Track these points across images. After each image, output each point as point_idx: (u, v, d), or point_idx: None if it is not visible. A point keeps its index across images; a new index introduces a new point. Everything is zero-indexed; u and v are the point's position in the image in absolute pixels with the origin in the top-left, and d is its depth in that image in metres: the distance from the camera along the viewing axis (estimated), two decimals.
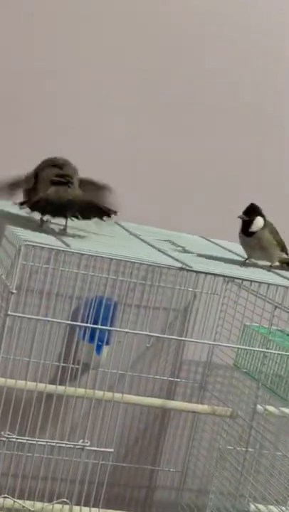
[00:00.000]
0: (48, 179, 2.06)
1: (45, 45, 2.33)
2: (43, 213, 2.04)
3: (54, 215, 2.03)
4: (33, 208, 2.03)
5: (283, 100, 2.50)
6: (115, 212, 2.02)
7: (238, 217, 2.03)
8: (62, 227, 2.06)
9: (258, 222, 2.03)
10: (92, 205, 2.03)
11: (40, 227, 2.05)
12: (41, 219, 2.09)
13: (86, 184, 2.14)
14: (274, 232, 2.06)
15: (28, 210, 2.01)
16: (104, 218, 2.01)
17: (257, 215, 2.03)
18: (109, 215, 2.00)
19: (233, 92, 2.46)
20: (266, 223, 2.04)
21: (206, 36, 2.43)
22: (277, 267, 2.07)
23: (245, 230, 2.04)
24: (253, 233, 2.03)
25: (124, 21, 2.37)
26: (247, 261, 2.07)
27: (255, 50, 2.47)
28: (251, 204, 2.05)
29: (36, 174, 2.10)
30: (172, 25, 2.40)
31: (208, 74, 2.44)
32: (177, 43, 2.41)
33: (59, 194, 2.02)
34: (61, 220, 2.05)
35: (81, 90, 2.36)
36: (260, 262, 2.08)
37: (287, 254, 2.10)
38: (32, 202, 2.04)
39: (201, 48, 2.43)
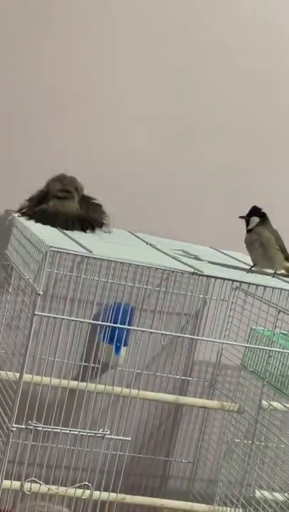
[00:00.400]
0: (51, 193, 2.15)
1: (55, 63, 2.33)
2: (43, 223, 2.08)
3: (50, 224, 2.09)
4: (31, 218, 2.06)
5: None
6: (101, 226, 2.14)
7: (239, 217, 2.06)
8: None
9: (253, 220, 2.06)
10: (81, 218, 2.12)
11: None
12: None
13: (88, 201, 2.21)
14: (276, 236, 2.05)
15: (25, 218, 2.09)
16: (88, 231, 2.12)
17: (253, 216, 2.05)
18: (93, 229, 2.12)
19: (234, 111, 2.45)
20: (265, 223, 2.05)
21: (206, 62, 2.42)
22: (282, 275, 2.05)
23: (247, 230, 2.06)
24: (251, 230, 2.05)
25: (132, 42, 2.37)
26: (253, 268, 2.06)
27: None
28: (253, 206, 2.07)
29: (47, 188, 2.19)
30: (175, 44, 2.40)
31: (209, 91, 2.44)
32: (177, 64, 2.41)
33: (56, 207, 2.12)
34: None
35: (88, 106, 2.35)
36: (265, 270, 2.07)
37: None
38: (32, 212, 2.07)
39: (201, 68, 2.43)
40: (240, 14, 2.43)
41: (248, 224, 2.06)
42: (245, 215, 2.07)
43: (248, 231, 2.05)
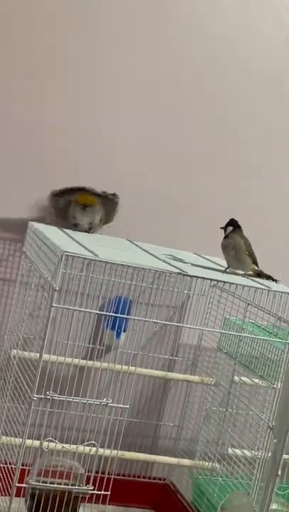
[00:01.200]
0: (75, 201, 2.19)
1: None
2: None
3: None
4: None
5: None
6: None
7: (220, 227, 2.08)
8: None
9: (229, 228, 2.07)
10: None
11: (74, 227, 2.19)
12: (74, 224, 2.20)
13: (105, 199, 2.25)
14: (246, 243, 2.05)
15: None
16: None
17: (229, 226, 2.07)
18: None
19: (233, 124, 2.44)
20: (237, 232, 2.06)
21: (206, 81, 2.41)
22: (250, 275, 2.05)
23: (224, 236, 2.07)
24: (226, 236, 2.06)
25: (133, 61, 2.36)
26: (227, 269, 2.05)
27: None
28: (230, 219, 2.08)
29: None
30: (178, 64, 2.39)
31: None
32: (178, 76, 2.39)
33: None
34: None
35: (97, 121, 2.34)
36: (237, 271, 2.07)
37: (258, 267, 2.07)
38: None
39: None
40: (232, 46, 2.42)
41: (225, 232, 2.07)
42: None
43: (225, 237, 2.06)
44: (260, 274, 2.06)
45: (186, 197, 2.40)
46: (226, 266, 2.06)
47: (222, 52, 2.38)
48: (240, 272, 2.06)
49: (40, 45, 2.23)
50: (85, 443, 1.85)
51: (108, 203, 2.26)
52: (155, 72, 2.33)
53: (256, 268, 2.07)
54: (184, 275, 1.83)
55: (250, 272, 2.06)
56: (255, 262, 2.07)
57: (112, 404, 1.85)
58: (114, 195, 2.26)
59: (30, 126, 2.25)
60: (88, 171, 2.29)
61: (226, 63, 2.39)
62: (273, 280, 2.04)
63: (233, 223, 2.08)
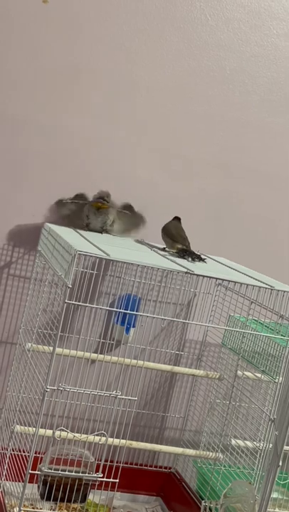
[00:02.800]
0: (91, 204, 2.21)
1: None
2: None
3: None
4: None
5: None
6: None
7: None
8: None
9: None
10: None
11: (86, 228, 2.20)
12: (86, 224, 2.20)
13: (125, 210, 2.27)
14: (173, 228, 2.16)
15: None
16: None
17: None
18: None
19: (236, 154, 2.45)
20: (172, 221, 2.19)
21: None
22: (174, 253, 2.09)
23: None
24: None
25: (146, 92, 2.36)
26: (165, 248, 2.14)
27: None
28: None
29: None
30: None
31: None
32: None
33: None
34: None
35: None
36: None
37: (186, 246, 2.11)
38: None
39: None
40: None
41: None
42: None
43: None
44: (186, 250, 2.08)
45: (193, 201, 2.40)
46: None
47: (228, 61, 2.38)
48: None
49: (51, 54, 2.24)
50: (95, 433, 1.86)
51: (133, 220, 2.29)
52: (164, 80, 2.34)
53: (179, 246, 2.10)
54: (191, 274, 1.83)
55: (174, 250, 2.11)
56: (178, 242, 2.11)
57: (121, 397, 1.85)
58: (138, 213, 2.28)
59: (47, 132, 2.26)
60: (100, 177, 2.30)
61: (232, 71, 2.39)
62: (202, 259, 2.05)
63: (176, 217, 2.20)
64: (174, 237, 2.13)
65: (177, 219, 2.20)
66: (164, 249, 2.11)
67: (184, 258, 2.03)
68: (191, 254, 2.04)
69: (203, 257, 2.07)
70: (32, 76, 2.23)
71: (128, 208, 2.27)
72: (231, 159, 2.42)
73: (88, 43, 2.26)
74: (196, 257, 2.04)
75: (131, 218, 2.26)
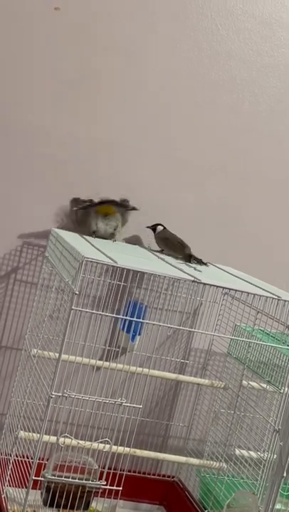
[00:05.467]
0: (96, 210, 2.21)
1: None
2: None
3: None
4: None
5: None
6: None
7: (146, 227, 2.27)
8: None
9: (159, 228, 2.26)
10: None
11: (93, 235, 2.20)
12: (93, 231, 2.19)
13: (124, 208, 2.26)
14: (172, 236, 2.22)
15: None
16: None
17: (158, 226, 2.26)
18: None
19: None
20: (165, 229, 2.25)
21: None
22: (181, 259, 2.13)
23: (156, 234, 2.26)
24: (158, 234, 2.25)
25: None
26: (163, 252, 2.21)
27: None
28: (156, 223, 2.27)
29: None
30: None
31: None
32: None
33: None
34: None
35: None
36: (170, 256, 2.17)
37: (185, 252, 2.16)
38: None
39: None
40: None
41: (154, 230, 2.26)
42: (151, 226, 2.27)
43: (157, 234, 2.25)
44: (190, 256, 2.14)
45: (199, 207, 2.40)
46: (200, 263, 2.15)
47: (239, 71, 2.38)
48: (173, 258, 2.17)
49: (60, 60, 2.24)
50: (99, 440, 1.85)
51: (126, 211, 2.27)
52: (173, 88, 2.34)
53: (186, 252, 2.16)
54: (198, 283, 1.82)
55: (181, 256, 2.16)
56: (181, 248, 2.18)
57: (126, 404, 1.85)
58: (134, 208, 2.27)
59: (54, 138, 2.26)
60: (107, 182, 2.30)
61: (242, 81, 2.39)
62: (204, 263, 2.13)
63: (160, 224, 2.26)
64: (181, 244, 2.17)
65: (162, 226, 2.27)
66: (162, 251, 2.18)
67: (192, 263, 2.08)
68: (197, 260, 2.12)
69: (205, 261, 2.15)
70: (38, 81, 2.23)
71: (125, 202, 2.26)
72: (239, 168, 2.41)
73: (98, 49, 2.26)
74: (202, 263, 2.12)
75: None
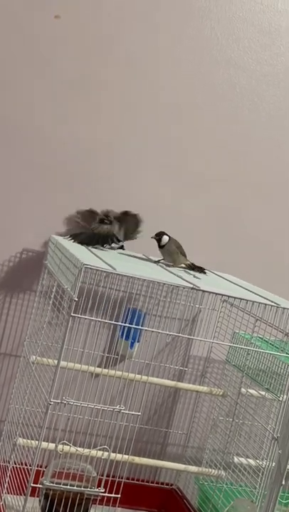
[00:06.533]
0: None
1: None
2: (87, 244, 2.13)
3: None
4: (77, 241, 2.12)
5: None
6: (118, 241, 2.17)
7: (152, 237, 2.15)
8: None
9: (165, 238, 2.15)
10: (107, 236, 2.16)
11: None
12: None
13: (126, 214, 2.25)
14: (177, 245, 2.15)
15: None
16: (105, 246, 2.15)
17: (164, 235, 2.15)
18: (110, 244, 2.15)
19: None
20: (170, 239, 2.15)
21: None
22: (182, 267, 2.13)
23: (159, 245, 2.15)
24: (163, 246, 2.15)
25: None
26: (160, 261, 2.16)
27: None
28: (160, 231, 2.16)
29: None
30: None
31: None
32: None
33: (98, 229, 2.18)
34: None
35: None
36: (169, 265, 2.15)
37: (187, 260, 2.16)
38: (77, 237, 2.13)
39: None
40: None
41: (159, 241, 2.15)
42: (156, 236, 2.17)
43: (162, 246, 2.15)
44: (192, 266, 2.14)
45: (200, 216, 2.40)
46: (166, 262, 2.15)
47: (238, 79, 2.38)
48: (171, 265, 2.15)
49: (60, 67, 2.24)
50: (98, 447, 1.84)
51: (130, 220, 2.27)
52: (174, 96, 2.34)
53: (187, 261, 2.15)
54: (197, 290, 1.82)
55: (183, 265, 2.15)
56: (185, 256, 2.16)
57: (124, 411, 1.84)
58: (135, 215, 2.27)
59: (56, 144, 2.26)
60: (107, 182, 2.30)
61: (241, 90, 2.39)
62: (203, 271, 2.12)
63: (165, 233, 2.16)
64: (183, 254, 2.16)
65: (167, 236, 2.20)
66: (157, 262, 2.15)
67: (195, 272, 2.09)
68: (198, 268, 2.13)
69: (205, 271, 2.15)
70: (38, 82, 2.23)
71: (125, 214, 2.27)
72: (239, 176, 2.42)
73: (98, 57, 2.26)
74: (202, 271, 2.12)
75: (131, 219, 2.26)
